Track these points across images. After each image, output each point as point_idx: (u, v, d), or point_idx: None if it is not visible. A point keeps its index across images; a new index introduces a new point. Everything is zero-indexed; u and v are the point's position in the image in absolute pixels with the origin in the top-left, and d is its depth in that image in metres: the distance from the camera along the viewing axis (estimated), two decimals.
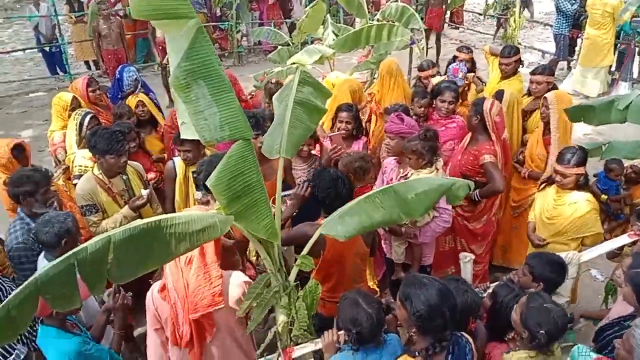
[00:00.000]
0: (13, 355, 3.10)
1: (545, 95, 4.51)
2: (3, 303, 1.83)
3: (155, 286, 2.84)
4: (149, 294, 2.86)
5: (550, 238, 3.85)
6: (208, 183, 2.25)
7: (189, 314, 2.66)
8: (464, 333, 2.40)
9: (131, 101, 5.16)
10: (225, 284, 2.71)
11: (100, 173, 3.78)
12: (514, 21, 11.63)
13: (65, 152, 4.65)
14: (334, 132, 4.53)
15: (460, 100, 5.05)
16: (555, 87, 5.12)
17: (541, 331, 2.42)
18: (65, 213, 3.22)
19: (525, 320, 2.49)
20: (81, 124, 4.42)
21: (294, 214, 3.49)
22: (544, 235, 3.91)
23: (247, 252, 3.92)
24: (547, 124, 4.43)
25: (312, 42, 9.18)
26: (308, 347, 2.73)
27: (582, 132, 7.59)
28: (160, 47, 9.18)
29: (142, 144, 4.91)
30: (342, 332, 2.65)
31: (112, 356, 3.00)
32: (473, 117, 4.16)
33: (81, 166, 4.24)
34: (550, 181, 3.94)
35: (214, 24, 12.08)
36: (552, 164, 4.25)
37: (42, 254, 3.26)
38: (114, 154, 3.68)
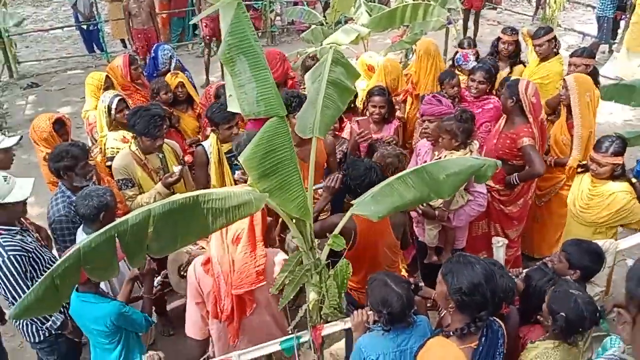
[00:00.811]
0: (50, 322, 3.23)
1: (565, 77, 4.38)
2: (47, 273, 1.90)
3: (198, 260, 2.91)
4: (191, 267, 2.95)
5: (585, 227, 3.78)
6: (241, 158, 2.30)
7: (231, 289, 2.74)
8: (496, 318, 2.39)
9: (173, 81, 5.20)
10: (268, 262, 2.81)
11: (137, 149, 3.86)
12: (554, 2, 11.26)
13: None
14: (366, 115, 4.50)
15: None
16: (595, 71, 4.95)
17: (561, 314, 2.40)
18: (104, 188, 3.32)
19: (550, 306, 2.49)
20: (109, 107, 4.45)
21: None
22: (576, 224, 3.85)
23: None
24: (569, 108, 4.30)
25: (345, 22, 9.09)
26: (338, 326, 2.77)
27: (622, 119, 7.37)
28: (205, 25, 9.19)
29: (175, 125, 4.97)
30: (371, 312, 2.67)
31: (147, 319, 3.15)
32: (509, 100, 4.04)
33: (113, 148, 4.32)
34: (585, 168, 3.85)
35: (247, 2, 12.06)
36: (577, 148, 4.16)
37: (81, 227, 3.37)
38: (150, 137, 3.78)
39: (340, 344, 3.68)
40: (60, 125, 4.26)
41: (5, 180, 3.07)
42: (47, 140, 4.17)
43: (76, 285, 2.90)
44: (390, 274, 2.72)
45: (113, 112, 4.45)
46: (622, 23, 9.93)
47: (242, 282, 2.74)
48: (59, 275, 1.89)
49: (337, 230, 2.69)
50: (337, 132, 4.40)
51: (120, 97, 4.55)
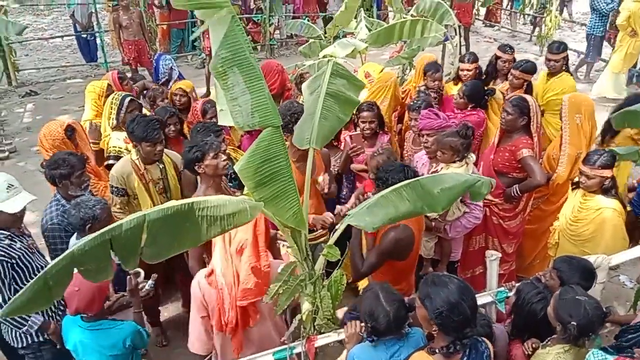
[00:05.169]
0: (26, 326, 3.14)
1: (563, 96, 4.43)
2: (41, 273, 1.92)
3: (202, 273, 2.90)
4: (194, 281, 2.95)
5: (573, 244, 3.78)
6: (236, 167, 2.32)
7: (236, 301, 2.75)
8: (484, 338, 2.38)
9: (174, 86, 5.22)
10: (273, 273, 2.81)
11: (138, 159, 3.83)
12: (550, 20, 11.42)
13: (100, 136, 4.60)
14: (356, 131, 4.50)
15: None
16: (529, 85, 5.12)
17: (572, 322, 2.41)
18: (97, 199, 3.26)
19: (557, 313, 2.49)
20: (120, 107, 4.39)
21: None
22: (564, 240, 3.84)
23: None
24: None
25: (344, 36, 9.17)
26: (331, 337, 2.76)
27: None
28: (207, 37, 9.30)
29: (182, 130, 4.76)
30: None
31: (146, 331, 3.15)
32: (519, 119, 4.03)
33: (115, 147, 4.29)
34: (577, 185, 3.86)
35: (247, 16, 12.17)
36: (563, 165, 4.20)
37: (75, 235, 3.35)
38: (150, 142, 3.73)
39: None
40: (70, 132, 4.23)
41: (6, 189, 3.05)
42: (58, 148, 4.07)
43: (80, 316, 2.88)
44: (385, 287, 2.64)
45: (123, 110, 4.39)
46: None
47: (246, 294, 2.75)
48: (52, 275, 1.90)
49: (331, 241, 2.69)
50: (334, 143, 4.40)
51: (131, 97, 4.50)
